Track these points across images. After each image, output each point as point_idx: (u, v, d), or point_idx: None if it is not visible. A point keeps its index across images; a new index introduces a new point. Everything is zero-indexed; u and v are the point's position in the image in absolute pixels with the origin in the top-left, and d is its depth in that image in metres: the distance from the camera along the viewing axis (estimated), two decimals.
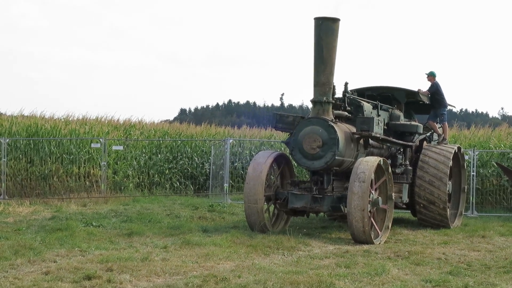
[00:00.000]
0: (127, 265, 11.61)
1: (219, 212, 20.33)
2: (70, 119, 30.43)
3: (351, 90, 18.29)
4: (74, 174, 25.73)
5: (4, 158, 25.04)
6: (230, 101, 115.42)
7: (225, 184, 25.19)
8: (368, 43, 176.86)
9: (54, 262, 12.18)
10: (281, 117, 17.18)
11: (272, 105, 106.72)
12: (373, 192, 15.59)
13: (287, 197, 16.45)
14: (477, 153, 23.95)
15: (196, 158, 28.46)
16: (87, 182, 25.60)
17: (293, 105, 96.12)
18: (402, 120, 19.24)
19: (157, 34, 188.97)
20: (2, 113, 32.38)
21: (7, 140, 25.49)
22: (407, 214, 21.19)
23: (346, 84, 17.40)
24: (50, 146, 26.29)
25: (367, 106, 17.74)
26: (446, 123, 20.92)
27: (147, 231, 15.80)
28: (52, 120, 29.75)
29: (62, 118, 30.52)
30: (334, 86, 16.51)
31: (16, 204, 22.15)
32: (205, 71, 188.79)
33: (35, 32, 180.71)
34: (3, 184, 24.84)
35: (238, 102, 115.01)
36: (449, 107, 21.51)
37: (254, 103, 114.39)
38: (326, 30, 16.13)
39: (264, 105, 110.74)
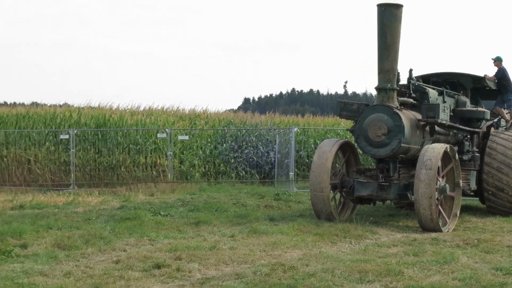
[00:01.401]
0: (195, 254, 11.72)
1: (285, 200, 20.36)
2: (136, 110, 30.82)
3: (416, 77, 18.11)
4: (141, 164, 26.06)
5: (73, 149, 25.50)
6: (293, 89, 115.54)
7: (291, 173, 25.21)
8: (433, 28, 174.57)
9: (124, 251, 12.37)
10: (346, 105, 17.10)
11: (336, 93, 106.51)
12: (440, 179, 15.42)
13: (353, 185, 16.38)
14: None
15: (261, 147, 28.53)
16: (154, 172, 25.91)
17: (357, 92, 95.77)
18: (469, 106, 18.97)
19: (220, 24, 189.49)
20: (70, 104, 33.01)
21: (76, 131, 25.93)
22: (475, 201, 20.90)
23: (410, 70, 17.23)
24: (117, 136, 26.67)
25: (432, 93, 17.55)
26: None
27: (214, 220, 15.91)
28: (119, 111, 30.18)
29: (128, 109, 30.94)
30: (398, 73, 16.36)
31: (85, 194, 22.57)
32: (268, 60, 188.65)
33: (99, 23, 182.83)
34: (72, 175, 25.31)
35: (302, 90, 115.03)
36: None
37: (318, 91, 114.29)
38: (389, 16, 15.99)
39: (328, 93, 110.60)
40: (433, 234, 14.55)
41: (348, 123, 19.03)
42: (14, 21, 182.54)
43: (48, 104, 33.43)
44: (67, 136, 25.89)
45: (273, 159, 27.86)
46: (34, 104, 34.04)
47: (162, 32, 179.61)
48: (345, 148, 17.22)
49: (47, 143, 26.79)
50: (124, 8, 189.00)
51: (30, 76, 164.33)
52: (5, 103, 43.62)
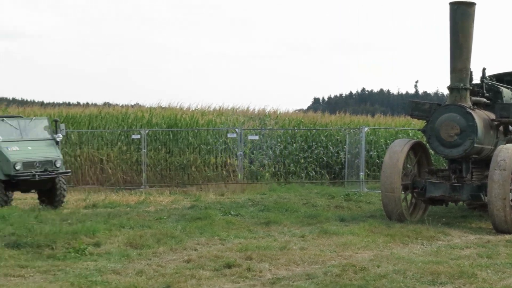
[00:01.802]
0: (266, 253, 11.74)
1: (356, 201, 20.23)
2: (207, 110, 31.02)
3: (489, 76, 17.81)
4: (211, 163, 26.20)
5: (144, 149, 25.79)
6: (363, 89, 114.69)
7: (361, 173, 25.03)
8: (508, 26, 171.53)
9: (195, 250, 12.47)
10: (417, 105, 16.91)
11: (407, 92, 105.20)
12: None
13: (425, 186, 16.19)
14: None
15: (331, 147, 28.42)
16: (224, 172, 26.03)
17: (428, 92, 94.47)
18: None
19: (290, 23, 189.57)
20: (141, 104, 33.40)
21: (147, 131, 26.23)
22: None
23: (484, 69, 16.97)
24: (188, 136, 26.87)
25: (506, 92, 17.24)
26: None
27: (285, 220, 15.90)
28: (190, 111, 30.41)
29: (199, 109, 31.17)
30: (471, 72, 16.13)
31: (157, 193, 22.84)
32: (337, 59, 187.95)
33: (171, 23, 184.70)
34: (144, 174, 25.60)
35: (372, 90, 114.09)
36: None
37: (388, 91, 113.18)
38: (461, 15, 15.77)
39: (398, 92, 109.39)
40: (507, 236, 14.31)
41: (419, 123, 18.82)
42: (86, 21, 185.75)
43: (120, 104, 33.91)
44: (138, 136, 26.19)
45: (343, 159, 27.73)
46: (106, 105, 34.58)
47: (233, 32, 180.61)
48: (417, 148, 17.02)
49: (119, 143, 27.16)
50: (196, 7, 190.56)
51: (102, 77, 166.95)
52: (78, 103, 44.46)
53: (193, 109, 31.20)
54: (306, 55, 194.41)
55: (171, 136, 26.99)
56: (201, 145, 26.72)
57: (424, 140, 17.67)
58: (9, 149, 18.33)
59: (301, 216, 16.68)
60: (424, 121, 16.67)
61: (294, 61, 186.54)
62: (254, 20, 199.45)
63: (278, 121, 30.88)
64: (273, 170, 27.05)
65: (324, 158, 28.08)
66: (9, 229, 13.72)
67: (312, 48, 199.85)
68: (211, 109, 31.60)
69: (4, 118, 19.37)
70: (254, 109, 32.85)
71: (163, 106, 31.39)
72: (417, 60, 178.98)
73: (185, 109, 30.99)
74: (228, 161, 26.40)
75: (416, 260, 11.35)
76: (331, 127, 30.06)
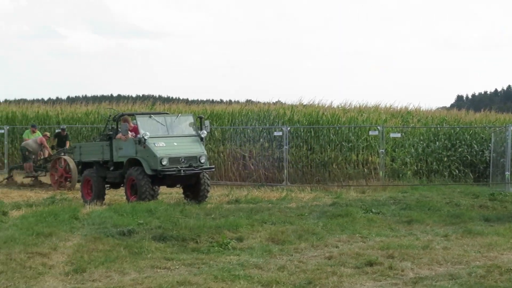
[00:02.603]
0: (408, 252, 11.65)
1: (501, 201, 19.64)
2: (348, 107, 30.94)
3: None
4: (352, 161, 26.11)
5: (286, 145, 25.97)
6: (509, 86, 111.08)
7: (507, 172, 24.30)
8: None
9: (336, 248, 12.50)
10: None
11: None
12: None
13: None
14: None
15: (475, 146, 27.75)
16: (365, 170, 25.88)
17: None
18: None
19: (433, 19, 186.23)
20: (283, 102, 33.66)
21: (289, 128, 26.41)
22: None
23: None
24: (329, 134, 26.88)
25: None
26: None
27: (427, 219, 15.70)
28: (331, 108, 30.41)
29: (340, 106, 31.12)
30: None
31: (298, 190, 22.99)
32: (482, 56, 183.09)
33: (310, 23, 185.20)
34: (285, 171, 25.79)
35: None
36: None
37: None
38: None
39: None
40: None
41: None
42: (229, 21, 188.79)
43: (262, 102, 34.30)
44: (280, 133, 26.40)
45: (488, 158, 27.02)
46: (249, 102, 35.05)
47: (375, 29, 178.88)
48: None
49: (261, 140, 27.46)
50: (336, 4, 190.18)
51: (244, 74, 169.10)
52: (222, 101, 45.26)
53: (335, 106, 31.19)
54: (449, 51, 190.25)
55: (312, 133, 27.05)
56: (343, 143, 26.64)
57: None
58: (156, 145, 18.88)
59: (444, 215, 16.42)
60: None
61: (437, 58, 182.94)
62: (398, 17, 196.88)
63: (420, 119, 30.44)
64: (415, 168, 26.66)
65: (468, 157, 27.43)
66: (156, 222, 14.18)
67: (455, 44, 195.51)
68: (353, 107, 31.51)
69: (152, 115, 19.97)
70: (396, 107, 32.56)
71: (304, 103, 31.53)
72: None
73: (326, 106, 31.01)
74: (370, 158, 26.21)
75: None
76: (475, 125, 29.34)
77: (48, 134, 27.92)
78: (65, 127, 28.22)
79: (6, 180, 26.69)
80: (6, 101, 45.03)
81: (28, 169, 26.22)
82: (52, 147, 27.18)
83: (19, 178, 26.96)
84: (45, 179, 26.35)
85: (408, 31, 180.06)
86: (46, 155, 26.50)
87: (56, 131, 28.59)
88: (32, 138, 27.07)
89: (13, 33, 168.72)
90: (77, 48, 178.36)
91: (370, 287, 9.62)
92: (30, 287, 9.67)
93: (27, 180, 26.44)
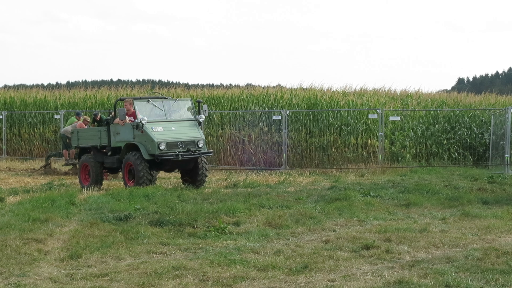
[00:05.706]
0: (405, 235, 11.62)
1: (500, 183, 19.58)
2: (348, 91, 30.85)
3: None
4: (351, 145, 26.05)
5: (285, 129, 25.92)
6: (510, 68, 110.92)
7: (506, 155, 24.25)
8: None
9: (333, 231, 12.48)
10: None
11: None
12: None
13: None
14: None
15: (475, 128, 27.66)
16: (364, 153, 25.82)
17: None
18: None
19: (435, 1, 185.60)
20: (282, 86, 33.55)
21: (288, 112, 26.34)
22: None
23: None
24: (328, 117, 26.80)
25: None
26: None
27: (425, 202, 15.67)
28: (330, 92, 30.33)
29: (340, 89, 31.02)
30: None
31: (296, 174, 22.96)
32: (484, 38, 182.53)
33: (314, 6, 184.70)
34: (284, 155, 25.74)
35: None
36: None
37: None
38: None
39: None
40: None
41: None
42: (232, 5, 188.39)
43: (262, 86, 34.18)
44: (279, 117, 26.34)
45: (487, 140, 26.94)
46: (249, 86, 34.92)
47: (378, 14, 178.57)
48: None
49: (260, 124, 27.38)
50: None
51: (243, 58, 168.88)
52: (222, 85, 45.19)
53: (334, 90, 31.09)
54: (452, 33, 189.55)
55: (311, 117, 26.98)
56: (342, 126, 26.57)
57: None
58: (154, 130, 18.82)
59: (443, 198, 16.38)
60: None
61: (439, 40, 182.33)
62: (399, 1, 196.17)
63: (420, 102, 30.35)
64: (414, 151, 26.58)
65: (468, 140, 27.35)
66: (153, 207, 14.16)
67: (457, 27, 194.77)
68: (352, 90, 31.41)
69: (149, 99, 19.89)
70: (395, 90, 32.45)
71: (304, 87, 31.42)
72: None
73: (325, 90, 30.91)
74: (369, 142, 26.14)
75: None
76: (475, 108, 29.24)
77: (88, 118, 26.76)
78: (98, 112, 27.33)
79: (43, 168, 26.24)
80: (5, 86, 44.96)
81: (68, 157, 25.68)
82: None
83: (57, 165, 26.66)
84: None
85: (413, 14, 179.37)
86: None
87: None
88: (71, 124, 26.11)
89: (14, 18, 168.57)
90: (77, 32, 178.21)
91: (366, 270, 9.57)
92: (24, 273, 9.63)
93: (66, 168, 25.92)
